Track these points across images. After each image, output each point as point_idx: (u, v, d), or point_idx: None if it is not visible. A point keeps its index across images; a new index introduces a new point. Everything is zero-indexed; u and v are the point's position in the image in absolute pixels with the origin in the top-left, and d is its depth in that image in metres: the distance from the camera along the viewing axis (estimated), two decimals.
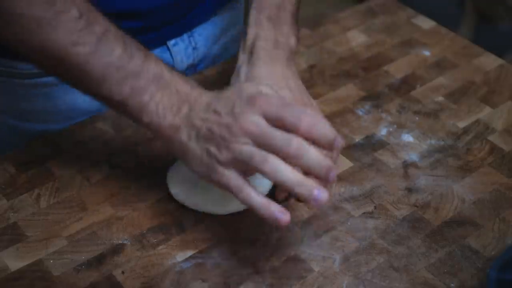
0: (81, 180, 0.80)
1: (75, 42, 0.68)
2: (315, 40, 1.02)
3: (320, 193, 0.63)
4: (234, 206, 0.75)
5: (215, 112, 0.67)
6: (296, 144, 0.63)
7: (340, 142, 0.65)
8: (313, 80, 0.94)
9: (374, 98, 0.91)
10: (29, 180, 0.80)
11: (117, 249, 0.72)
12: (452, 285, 0.69)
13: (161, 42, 0.93)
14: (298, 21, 0.84)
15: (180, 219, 0.75)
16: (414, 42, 1.01)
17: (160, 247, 0.73)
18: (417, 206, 0.77)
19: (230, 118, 0.66)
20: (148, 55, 0.71)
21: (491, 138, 0.85)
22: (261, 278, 0.69)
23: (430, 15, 1.06)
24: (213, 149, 0.66)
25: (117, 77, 0.69)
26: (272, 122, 0.65)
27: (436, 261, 0.71)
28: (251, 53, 0.79)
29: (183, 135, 0.69)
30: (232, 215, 0.76)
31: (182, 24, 0.94)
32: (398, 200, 0.78)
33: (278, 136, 0.64)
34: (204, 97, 0.70)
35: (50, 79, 0.88)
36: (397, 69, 0.96)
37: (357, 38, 1.02)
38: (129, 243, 0.73)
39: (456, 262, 0.71)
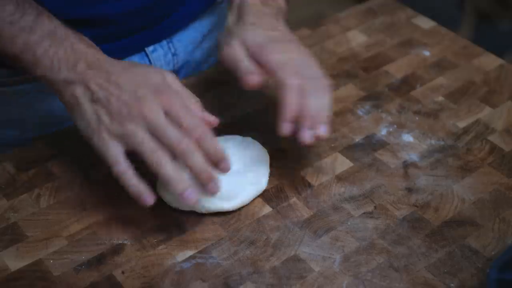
0: (81, 180, 0.80)
1: None
2: (315, 40, 1.02)
3: (190, 193, 0.69)
4: (230, 203, 0.76)
5: (116, 84, 0.71)
6: (184, 145, 0.68)
7: (226, 168, 0.71)
8: None
9: (374, 98, 0.91)
10: (29, 180, 0.80)
11: (117, 249, 0.72)
12: (452, 285, 0.69)
13: (138, 48, 0.92)
14: None
15: (180, 219, 0.75)
16: (414, 42, 1.01)
17: (160, 247, 0.73)
18: (417, 206, 0.77)
19: (131, 98, 0.70)
20: (41, 12, 0.74)
21: (491, 138, 0.85)
22: (261, 278, 0.70)
23: (430, 15, 1.06)
24: (105, 117, 0.70)
25: (9, 32, 0.72)
26: (171, 118, 0.69)
27: (436, 261, 0.71)
28: (239, 9, 0.81)
29: (77, 90, 0.72)
30: (232, 215, 0.76)
31: (160, 30, 0.92)
32: (398, 200, 0.78)
33: (171, 133, 0.69)
34: (104, 63, 0.72)
35: (26, 86, 0.87)
36: (397, 69, 0.96)
37: (357, 38, 1.02)
38: (129, 243, 0.73)
39: (456, 262, 0.71)
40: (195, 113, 0.71)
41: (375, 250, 0.72)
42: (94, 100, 0.71)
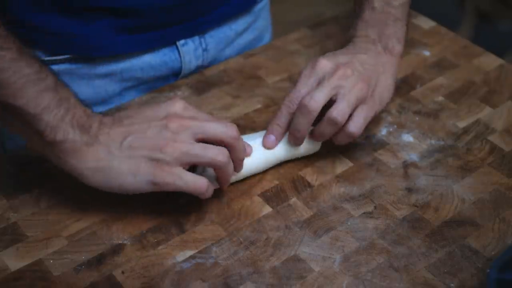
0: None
1: (1, 46, 0.67)
2: (315, 40, 1.02)
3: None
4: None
5: (137, 123, 0.71)
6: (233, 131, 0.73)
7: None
8: None
9: None
10: (29, 180, 0.80)
11: (117, 249, 0.72)
12: (452, 285, 0.69)
13: (169, 41, 0.93)
14: (408, 23, 0.87)
15: (180, 219, 0.75)
16: (414, 42, 1.01)
17: (160, 247, 0.73)
18: (417, 206, 0.77)
19: (161, 123, 0.70)
20: (57, 76, 0.71)
21: (491, 138, 0.85)
22: (261, 278, 0.70)
23: (430, 15, 1.06)
24: (155, 154, 0.69)
25: (35, 89, 0.68)
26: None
27: (436, 261, 0.71)
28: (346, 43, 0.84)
29: (100, 150, 0.70)
30: (232, 215, 0.76)
31: (193, 26, 0.93)
32: (398, 200, 0.78)
33: (216, 127, 0.72)
34: (113, 118, 0.72)
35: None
36: (397, 69, 0.96)
37: None
38: (129, 243, 0.73)
39: (456, 262, 0.71)
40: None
41: (375, 250, 0.72)
42: (125, 147, 0.70)
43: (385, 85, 0.81)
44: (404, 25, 0.86)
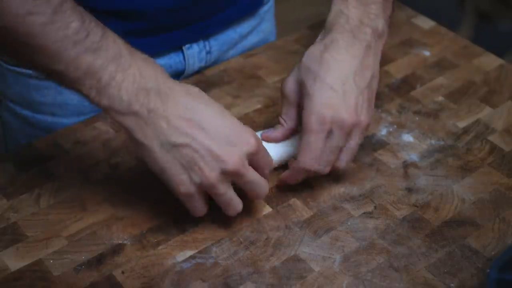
0: (81, 180, 0.80)
1: (30, 11, 0.63)
2: (315, 40, 1.01)
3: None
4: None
5: (199, 127, 0.67)
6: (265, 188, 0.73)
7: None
8: None
9: None
10: (29, 180, 0.80)
11: (117, 249, 0.72)
12: (452, 285, 0.69)
13: (175, 46, 0.92)
14: (394, 3, 0.83)
15: (180, 219, 0.75)
16: (414, 42, 1.01)
17: (160, 247, 0.73)
18: (417, 206, 0.77)
19: (221, 149, 0.67)
20: (107, 32, 0.67)
21: (491, 138, 0.85)
22: (261, 278, 0.70)
23: (430, 15, 1.06)
24: (193, 174, 0.68)
25: (73, 53, 0.64)
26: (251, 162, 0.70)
27: (436, 261, 0.71)
28: (330, 30, 0.78)
29: (149, 131, 0.67)
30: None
31: (197, 29, 0.93)
32: (398, 200, 0.78)
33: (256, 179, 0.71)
34: (177, 92, 0.68)
35: None
36: (397, 69, 0.96)
37: None
38: (129, 243, 0.73)
39: (456, 262, 0.71)
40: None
41: (375, 250, 0.72)
42: (173, 145, 0.66)
43: (378, 80, 0.79)
44: (390, 5, 0.83)
